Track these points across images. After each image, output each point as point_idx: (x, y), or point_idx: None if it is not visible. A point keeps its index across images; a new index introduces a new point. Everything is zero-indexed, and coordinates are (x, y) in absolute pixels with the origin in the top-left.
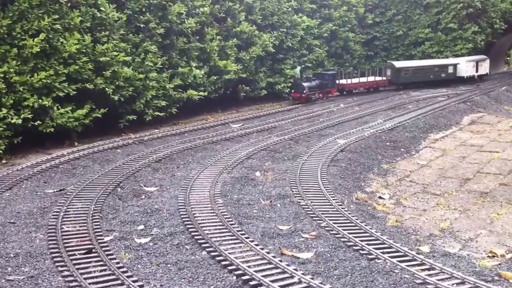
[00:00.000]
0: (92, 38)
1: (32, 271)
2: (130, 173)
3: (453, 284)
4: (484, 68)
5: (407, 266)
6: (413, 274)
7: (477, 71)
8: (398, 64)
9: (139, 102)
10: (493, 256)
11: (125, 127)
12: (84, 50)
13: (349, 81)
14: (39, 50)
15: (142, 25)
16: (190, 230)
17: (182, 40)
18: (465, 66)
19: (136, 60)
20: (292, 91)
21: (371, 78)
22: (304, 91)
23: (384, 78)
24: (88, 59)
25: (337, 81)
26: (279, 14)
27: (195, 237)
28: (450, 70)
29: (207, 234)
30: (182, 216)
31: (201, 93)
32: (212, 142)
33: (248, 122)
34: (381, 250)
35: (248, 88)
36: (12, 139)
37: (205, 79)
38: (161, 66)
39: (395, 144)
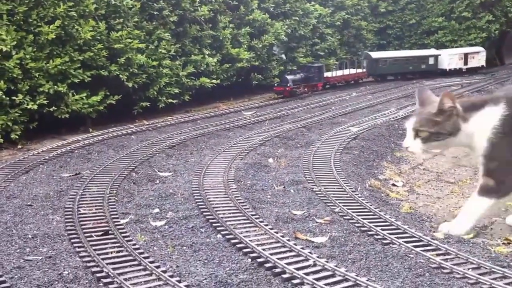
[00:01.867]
0: (107, 25)
1: (50, 251)
2: (144, 159)
3: (468, 268)
4: (477, 61)
5: (422, 250)
6: (428, 258)
7: (465, 63)
8: (375, 54)
9: (153, 89)
10: (509, 243)
11: (138, 114)
12: (98, 37)
13: (333, 74)
14: (54, 36)
15: (155, 13)
16: (204, 213)
17: (195, 28)
18: (448, 58)
19: (149, 47)
20: (275, 84)
21: (352, 71)
22: (288, 84)
23: (364, 70)
24: (102, 46)
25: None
26: (291, 2)
27: (210, 221)
28: (431, 61)
29: (222, 217)
30: (196, 200)
31: (213, 80)
32: (224, 129)
33: (260, 110)
34: (396, 235)
35: (260, 76)
36: (27, 125)
37: (218, 67)
38: (174, 54)
39: None
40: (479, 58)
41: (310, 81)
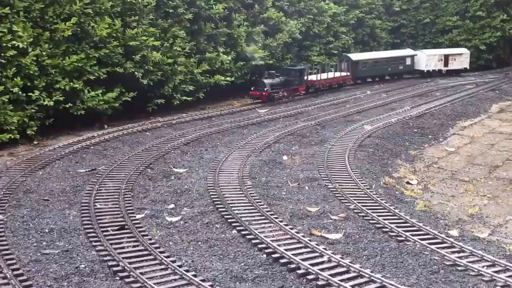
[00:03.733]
0: (122, 23)
1: (66, 245)
2: (160, 155)
3: (483, 266)
4: (459, 63)
5: (437, 248)
6: (443, 256)
7: (446, 65)
8: (355, 56)
9: (167, 87)
10: None
11: (153, 111)
12: (114, 35)
13: (317, 77)
14: (70, 33)
15: (171, 10)
16: (219, 209)
17: (210, 26)
18: (426, 59)
19: (164, 45)
20: (252, 88)
21: (337, 74)
22: (265, 89)
23: (349, 74)
24: (118, 43)
25: (305, 77)
26: (306, 1)
27: (225, 217)
28: (408, 62)
29: (237, 213)
30: (211, 196)
31: (228, 78)
32: (239, 126)
33: (274, 108)
34: (411, 233)
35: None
36: (43, 121)
37: (232, 64)
38: (189, 51)
39: (423, 131)
40: (461, 60)
41: (291, 85)
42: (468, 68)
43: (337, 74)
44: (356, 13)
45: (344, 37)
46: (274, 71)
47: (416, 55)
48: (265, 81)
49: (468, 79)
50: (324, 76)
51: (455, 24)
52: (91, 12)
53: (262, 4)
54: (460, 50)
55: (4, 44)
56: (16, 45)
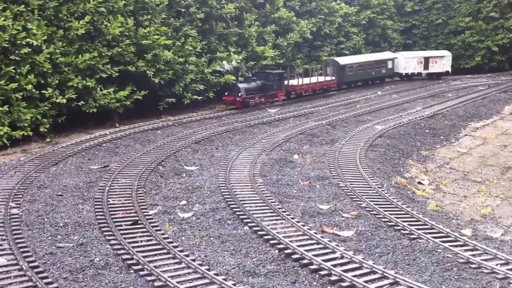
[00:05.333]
0: (135, 22)
1: (81, 239)
2: (171, 153)
3: (496, 264)
4: (440, 66)
5: (450, 246)
6: (456, 253)
7: (426, 68)
8: (342, 60)
9: (178, 86)
10: None
11: (163, 110)
12: (127, 33)
13: (299, 81)
14: (84, 32)
15: (183, 10)
16: (231, 206)
17: (221, 25)
18: (405, 62)
19: (176, 44)
20: (225, 93)
21: (321, 78)
22: (239, 94)
23: (334, 78)
24: (130, 42)
25: (285, 82)
26: (317, 1)
27: (237, 213)
28: (390, 65)
29: (248, 210)
30: (223, 193)
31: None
32: (250, 125)
33: (285, 107)
34: (423, 231)
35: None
36: (56, 118)
37: (243, 64)
38: (200, 51)
39: (435, 132)
40: (443, 62)
41: (268, 90)
42: (450, 71)
43: (321, 78)
44: (367, 14)
45: (355, 37)
46: (250, 75)
47: (396, 58)
48: (240, 85)
49: (480, 81)
50: (306, 80)
51: (468, 25)
52: (104, 10)
53: (273, 4)
54: (442, 52)
55: (19, 42)
56: (30, 42)
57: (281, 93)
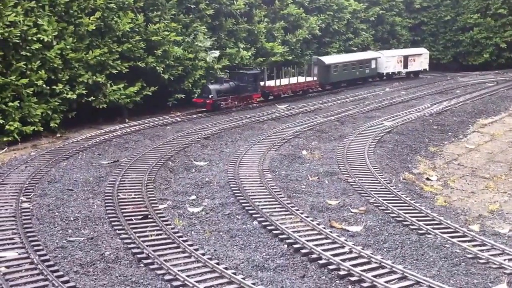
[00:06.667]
0: (145, 18)
1: (91, 233)
2: (180, 148)
3: (505, 259)
4: (419, 64)
5: (458, 241)
6: (464, 249)
7: (405, 67)
8: (328, 59)
9: (188, 81)
10: None
11: (173, 106)
12: (137, 29)
13: (277, 82)
14: (94, 28)
15: (192, 6)
16: (240, 201)
17: (230, 22)
18: (385, 61)
19: (186, 40)
20: (196, 95)
21: (301, 79)
22: (210, 96)
23: (315, 79)
24: (140, 38)
25: (261, 83)
26: None
27: (246, 208)
28: (373, 65)
29: (258, 205)
30: (232, 188)
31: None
32: (258, 121)
33: (293, 103)
34: (431, 226)
35: (293, 70)
36: (66, 114)
37: (252, 60)
38: (209, 47)
39: (443, 128)
40: (421, 60)
41: (242, 92)
42: (427, 69)
43: (302, 79)
44: (376, 10)
45: (364, 34)
46: (223, 76)
47: (379, 57)
48: (211, 87)
49: (488, 77)
50: (285, 81)
51: (476, 22)
52: (115, 7)
53: (282, 0)
54: (419, 50)
55: (30, 38)
56: (41, 38)
57: (257, 95)
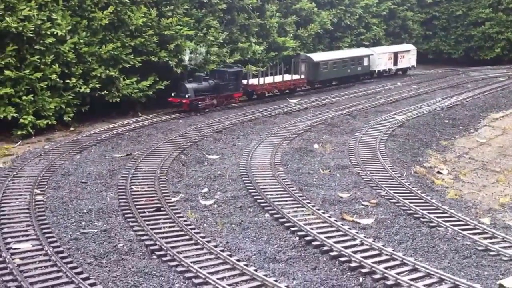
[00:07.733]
0: (158, 12)
1: (104, 225)
2: (193, 142)
3: None
4: (407, 61)
5: (469, 234)
6: (475, 241)
7: (395, 64)
8: (317, 57)
9: None
10: None
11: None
12: (149, 24)
13: (261, 81)
14: (107, 22)
15: (205, 0)
16: (252, 194)
17: (242, 16)
18: (377, 58)
19: (198, 34)
20: (172, 94)
21: (287, 77)
22: (187, 95)
23: (303, 76)
24: (153, 32)
25: (244, 81)
26: None
27: (258, 201)
28: (365, 62)
29: (269, 198)
30: (244, 181)
31: (259, 68)
32: (270, 115)
33: (305, 98)
34: (442, 219)
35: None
36: (80, 108)
37: (264, 55)
38: (222, 41)
39: (454, 122)
40: (409, 57)
41: (222, 91)
42: (415, 66)
43: (288, 77)
44: (388, 5)
45: (376, 28)
46: (202, 74)
47: (372, 54)
48: (188, 85)
49: (500, 72)
50: (269, 79)
51: (488, 17)
52: (128, 1)
53: None
54: (408, 46)
55: (43, 32)
56: (55, 32)
57: (238, 94)
